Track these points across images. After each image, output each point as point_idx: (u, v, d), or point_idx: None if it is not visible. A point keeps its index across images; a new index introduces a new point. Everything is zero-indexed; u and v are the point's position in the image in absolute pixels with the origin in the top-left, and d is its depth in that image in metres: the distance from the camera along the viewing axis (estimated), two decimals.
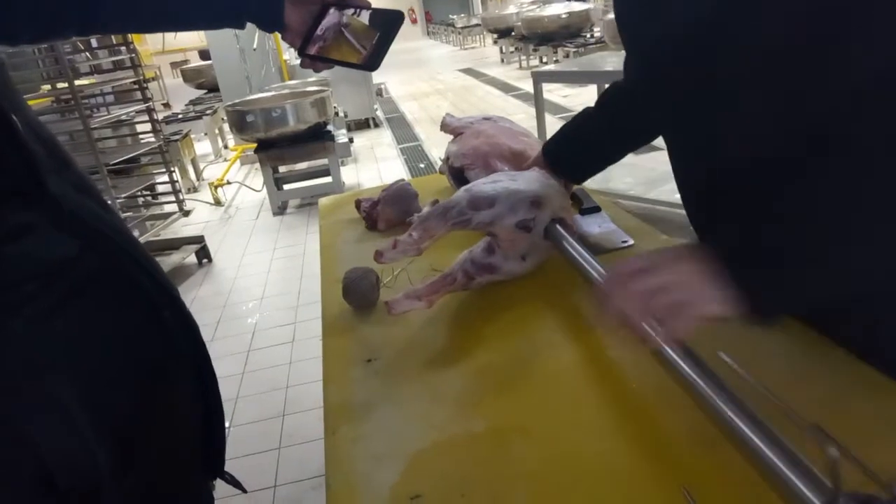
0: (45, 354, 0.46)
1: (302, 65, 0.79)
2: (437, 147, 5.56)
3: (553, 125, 1.20)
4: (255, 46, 5.68)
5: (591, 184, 1.22)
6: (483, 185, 0.92)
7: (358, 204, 1.34)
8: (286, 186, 4.54)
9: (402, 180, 1.32)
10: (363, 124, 6.80)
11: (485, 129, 1.30)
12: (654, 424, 0.63)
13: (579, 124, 1.07)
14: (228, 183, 4.96)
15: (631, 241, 1.02)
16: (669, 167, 0.89)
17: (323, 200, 1.53)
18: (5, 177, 0.45)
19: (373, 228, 1.29)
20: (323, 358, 0.84)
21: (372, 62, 0.73)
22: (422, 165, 5.17)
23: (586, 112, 1.06)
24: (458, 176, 1.23)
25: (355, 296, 0.95)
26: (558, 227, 0.90)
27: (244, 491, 0.75)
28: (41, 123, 0.55)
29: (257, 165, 4.82)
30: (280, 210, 4.42)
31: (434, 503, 0.57)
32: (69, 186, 0.51)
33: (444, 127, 1.37)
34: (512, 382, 0.72)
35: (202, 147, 6.28)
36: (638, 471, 0.57)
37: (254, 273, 3.46)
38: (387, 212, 1.27)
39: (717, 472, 0.55)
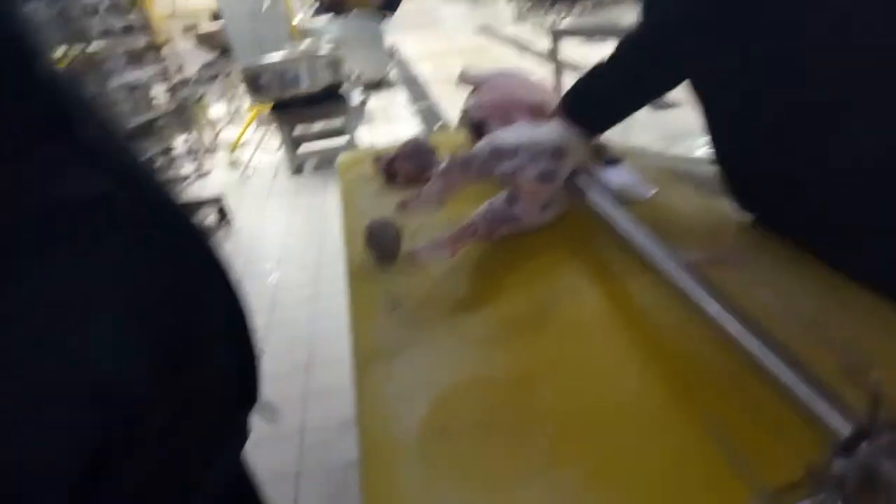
0: (85, 283, 0.48)
1: (317, 13, 0.78)
2: (451, 107, 5.51)
3: (571, 82, 1.20)
4: (265, 7, 5.61)
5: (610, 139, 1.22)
6: (504, 135, 0.92)
7: (376, 160, 1.34)
8: (302, 147, 4.54)
9: (419, 135, 1.33)
10: (377, 85, 6.74)
11: (503, 82, 1.29)
12: (680, 365, 0.64)
13: (594, 77, 1.05)
14: (245, 145, 4.97)
15: (655, 191, 1.01)
16: (690, 123, 0.88)
17: (341, 157, 1.54)
18: (34, 113, 0.46)
19: (391, 183, 1.29)
20: (349, 305, 0.86)
21: (390, 4, 0.72)
22: (436, 125, 5.13)
23: (601, 64, 1.05)
24: (478, 129, 1.23)
25: (378, 247, 0.96)
26: (581, 177, 0.90)
27: (276, 421, 0.79)
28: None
29: (273, 127, 4.82)
30: (297, 171, 4.44)
31: (461, 437, 0.59)
32: (96, 128, 0.53)
33: (463, 78, 1.36)
34: (536, 327, 0.74)
35: (217, 110, 6.28)
36: (663, 411, 0.58)
37: (273, 233, 3.50)
38: (405, 167, 1.27)
39: (744, 409, 0.56)
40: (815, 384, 0.48)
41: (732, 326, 0.55)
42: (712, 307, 0.58)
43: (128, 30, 4.34)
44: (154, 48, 3.76)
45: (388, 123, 5.43)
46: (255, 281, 2.98)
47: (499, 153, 0.88)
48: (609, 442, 0.56)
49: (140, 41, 3.88)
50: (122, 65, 4.40)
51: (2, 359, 0.43)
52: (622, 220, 0.77)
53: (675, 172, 1.14)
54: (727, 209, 0.92)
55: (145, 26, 3.76)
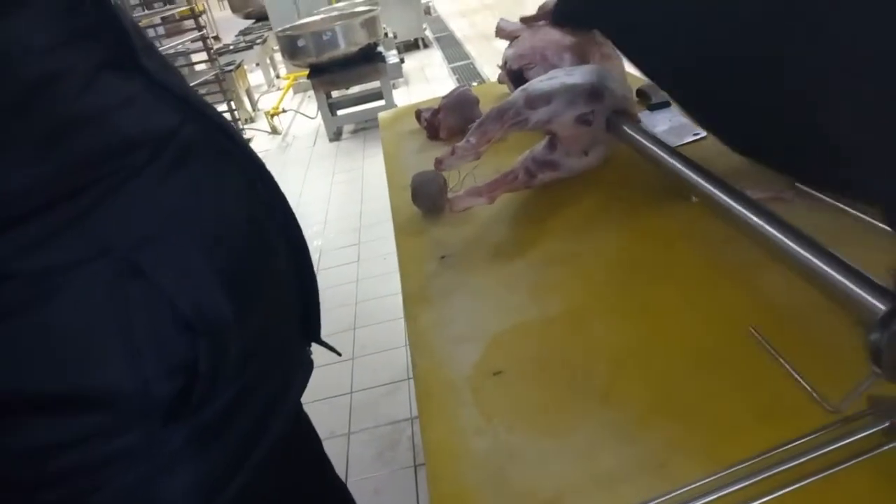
0: (163, 213, 0.50)
1: None
2: (488, 64, 5.42)
3: None
4: None
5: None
6: (539, 82, 0.91)
7: (418, 114, 1.34)
8: (340, 112, 4.55)
9: (464, 86, 1.31)
10: (412, 45, 6.66)
11: (541, 27, 1.26)
12: (733, 300, 0.63)
13: None
14: (284, 111, 5.00)
15: (703, 133, 0.98)
16: None
17: (382, 114, 1.53)
18: (103, 47, 0.48)
19: (434, 138, 1.29)
20: (398, 256, 0.87)
21: None
22: (474, 84, 5.06)
23: None
24: (518, 79, 1.21)
25: (424, 199, 0.96)
26: (620, 117, 0.89)
27: (339, 354, 0.82)
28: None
29: (310, 93, 4.83)
30: (336, 136, 4.45)
31: (516, 378, 0.60)
32: (157, 65, 0.54)
33: (500, 32, 1.33)
34: (585, 269, 0.73)
35: (255, 78, 6.31)
36: (717, 346, 0.58)
37: (315, 198, 3.53)
38: (448, 119, 1.26)
39: (806, 343, 0.55)
40: (849, 269, 0.48)
41: (791, 245, 0.53)
42: (770, 231, 0.56)
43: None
44: (192, 17, 3.79)
45: (425, 84, 5.37)
46: None
47: (533, 101, 0.87)
48: (663, 379, 0.56)
49: (179, 7, 3.91)
50: (160, 33, 4.47)
51: (88, 285, 0.45)
52: (667, 154, 0.76)
53: None
54: None
55: None
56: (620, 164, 0.94)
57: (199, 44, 3.99)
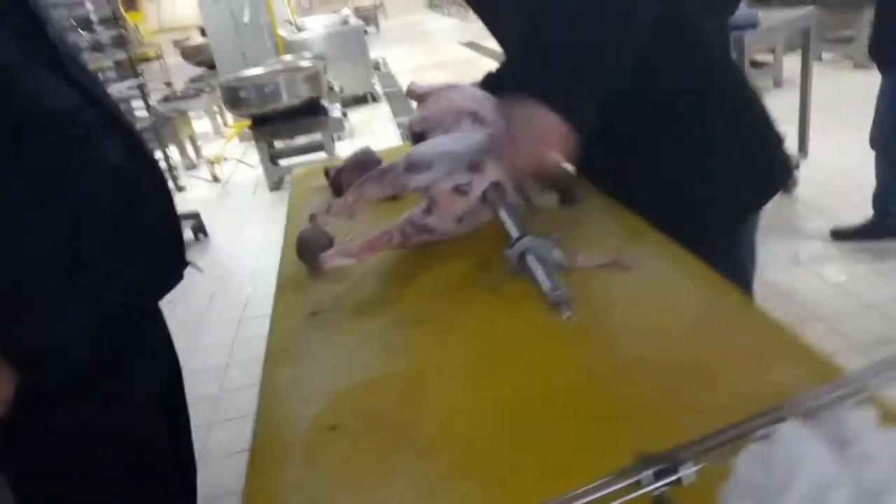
0: (67, 162, 0.77)
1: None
2: None
3: None
4: (246, 20, 5.67)
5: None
6: (423, 147, 0.96)
7: (327, 172, 1.38)
8: (282, 162, 4.58)
9: (367, 147, 1.37)
10: (361, 99, 6.80)
11: (448, 94, 1.33)
12: (567, 362, 0.67)
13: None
14: (226, 159, 5.01)
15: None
16: None
17: (297, 171, 1.58)
18: (43, 54, 0.79)
19: (339, 195, 1.33)
20: (272, 312, 0.89)
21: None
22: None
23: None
24: (420, 141, 1.27)
25: (307, 255, 0.99)
26: (495, 191, 0.94)
27: (201, 271, 1.24)
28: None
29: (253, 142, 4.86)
30: (276, 185, 4.47)
31: (350, 432, 0.62)
32: (77, 68, 0.85)
33: (410, 93, 1.40)
34: (437, 329, 0.77)
35: (202, 125, 6.32)
36: (532, 404, 0.62)
37: (250, 247, 3.53)
38: (350, 178, 1.30)
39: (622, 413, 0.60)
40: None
41: None
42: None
43: (118, 43, 4.38)
44: (132, 62, 3.80)
45: (371, 137, 5.48)
46: (229, 292, 3.01)
47: (414, 166, 0.91)
48: (480, 435, 0.59)
49: (124, 55, 3.93)
50: (111, 77, 4.45)
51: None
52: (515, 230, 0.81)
53: None
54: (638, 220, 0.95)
55: (125, 39, 3.81)
56: (492, 231, 0.99)
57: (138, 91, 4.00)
